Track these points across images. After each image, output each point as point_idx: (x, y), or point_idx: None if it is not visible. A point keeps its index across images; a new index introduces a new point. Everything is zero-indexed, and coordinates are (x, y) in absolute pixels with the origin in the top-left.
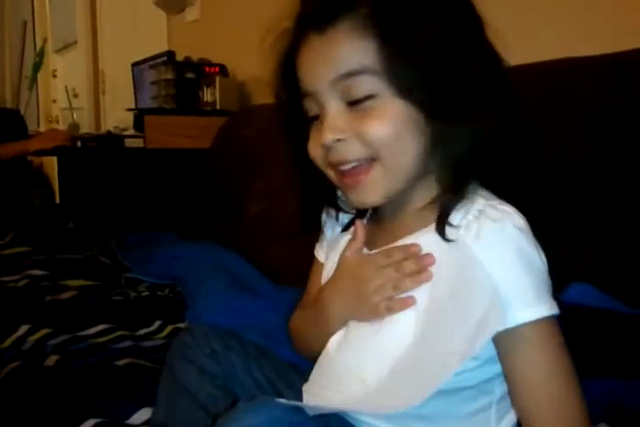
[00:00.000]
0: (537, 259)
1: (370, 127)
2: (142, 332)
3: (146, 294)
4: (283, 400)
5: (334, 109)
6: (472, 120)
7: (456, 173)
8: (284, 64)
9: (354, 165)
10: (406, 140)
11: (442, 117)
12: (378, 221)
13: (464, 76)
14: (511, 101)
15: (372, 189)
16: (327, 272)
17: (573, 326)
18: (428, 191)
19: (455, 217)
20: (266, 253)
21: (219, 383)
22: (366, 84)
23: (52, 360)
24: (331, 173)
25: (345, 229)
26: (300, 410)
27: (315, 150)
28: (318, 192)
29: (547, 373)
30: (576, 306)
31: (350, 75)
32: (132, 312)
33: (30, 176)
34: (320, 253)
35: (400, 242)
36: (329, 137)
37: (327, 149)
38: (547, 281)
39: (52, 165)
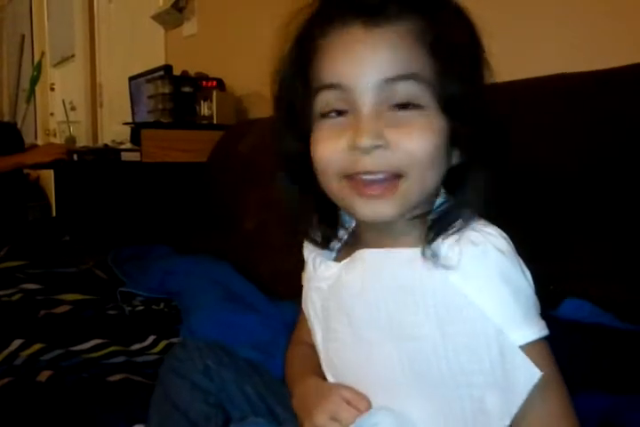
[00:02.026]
0: (522, 281)
1: (411, 139)
2: (136, 347)
3: (140, 308)
4: None
5: (375, 112)
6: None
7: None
8: (297, 49)
9: (380, 176)
10: (439, 159)
11: (472, 141)
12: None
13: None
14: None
15: (393, 204)
16: (308, 298)
17: (568, 342)
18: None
19: (434, 243)
20: (261, 267)
21: (211, 401)
22: (415, 92)
23: (44, 376)
24: (339, 184)
25: (325, 248)
26: None
27: (331, 153)
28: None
29: (541, 394)
30: (571, 322)
31: (401, 78)
32: (127, 327)
33: (26, 190)
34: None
35: (386, 251)
36: (368, 141)
37: (354, 154)
38: (534, 302)
39: (48, 178)
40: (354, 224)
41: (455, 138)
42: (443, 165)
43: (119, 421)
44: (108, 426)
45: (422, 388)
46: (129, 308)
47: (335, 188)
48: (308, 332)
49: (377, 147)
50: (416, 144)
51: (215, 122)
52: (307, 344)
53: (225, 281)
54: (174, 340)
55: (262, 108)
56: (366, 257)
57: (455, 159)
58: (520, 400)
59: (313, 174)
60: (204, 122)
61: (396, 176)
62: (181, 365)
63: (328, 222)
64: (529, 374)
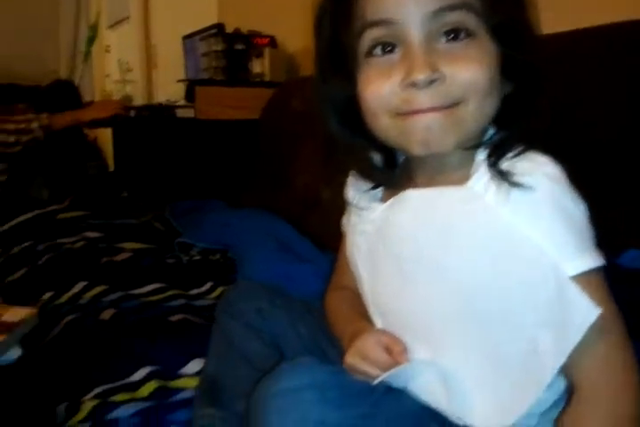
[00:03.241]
0: (575, 210)
1: (467, 69)
2: (194, 292)
3: (197, 258)
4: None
5: (427, 45)
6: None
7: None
8: None
9: (435, 107)
10: (494, 88)
11: (524, 69)
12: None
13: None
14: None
15: (448, 135)
16: (353, 243)
17: (629, 290)
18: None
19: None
20: (311, 223)
21: (266, 340)
22: (468, 21)
23: (107, 314)
24: (392, 121)
25: (375, 188)
26: (344, 372)
27: (383, 93)
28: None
29: (599, 333)
30: (631, 270)
31: (451, 8)
32: (185, 274)
33: (85, 148)
34: (345, 226)
35: (436, 190)
36: (423, 76)
37: (408, 90)
38: (588, 232)
39: (105, 138)
40: (402, 162)
41: (507, 67)
42: (497, 94)
43: (179, 355)
44: (169, 359)
45: (471, 333)
46: (186, 257)
47: (387, 126)
48: (350, 277)
49: (432, 81)
50: (473, 74)
51: (267, 79)
52: (348, 289)
53: (278, 233)
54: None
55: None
56: (415, 197)
57: (506, 90)
58: (576, 339)
59: (361, 116)
60: (257, 79)
61: (453, 105)
62: (235, 305)
63: (374, 165)
64: (586, 311)
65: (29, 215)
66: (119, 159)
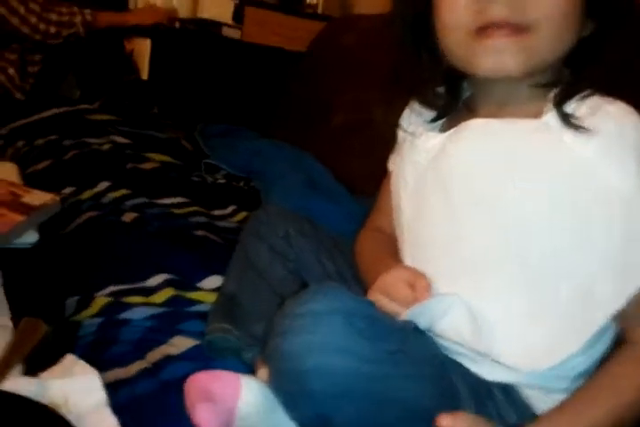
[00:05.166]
0: None
1: None
2: (217, 213)
3: (222, 181)
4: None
5: None
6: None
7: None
8: None
9: (509, 22)
10: (573, 21)
11: (609, 9)
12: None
13: None
14: None
15: (518, 60)
16: (400, 175)
17: None
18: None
19: (568, 108)
20: (343, 166)
21: (289, 266)
22: None
23: (129, 217)
24: (462, 38)
25: (437, 119)
26: (373, 304)
27: (456, 6)
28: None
29: None
30: None
31: None
32: (209, 194)
33: (122, 60)
34: (391, 163)
35: (506, 120)
36: None
37: (481, 2)
38: None
39: (142, 52)
40: (468, 94)
41: (592, 6)
42: (575, 31)
43: (198, 269)
44: (188, 271)
45: (518, 275)
46: (211, 179)
47: (458, 43)
48: (387, 220)
49: None
50: None
51: (320, 12)
52: (382, 231)
53: (309, 170)
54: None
55: (369, 4)
56: (480, 126)
57: (587, 31)
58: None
59: (432, 37)
60: (309, 11)
61: (526, 29)
62: (262, 228)
63: (438, 93)
64: None
65: (57, 111)
66: (154, 73)
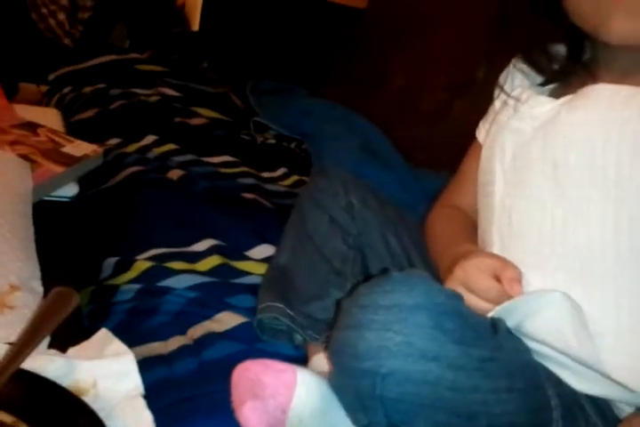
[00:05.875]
0: None
1: None
2: (266, 175)
3: (272, 142)
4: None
5: None
6: None
7: None
8: None
9: None
10: None
11: None
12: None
13: None
14: None
15: None
16: (496, 144)
17: None
18: None
19: None
20: (400, 131)
21: (349, 241)
22: None
23: (175, 174)
24: None
25: (547, 83)
26: (461, 299)
27: None
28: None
29: None
30: None
31: None
32: (258, 154)
33: (172, 13)
34: (482, 132)
35: (632, 89)
36: None
37: None
38: None
39: (193, 7)
40: (588, 58)
41: None
42: None
43: (248, 236)
44: (236, 238)
45: (633, 269)
46: (261, 138)
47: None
48: (467, 197)
49: None
50: None
51: None
52: (458, 208)
53: (365, 133)
54: (306, 178)
55: None
56: (606, 92)
57: None
58: None
59: None
60: None
61: None
62: (322, 195)
63: (552, 54)
64: None
65: (106, 59)
66: (205, 25)
